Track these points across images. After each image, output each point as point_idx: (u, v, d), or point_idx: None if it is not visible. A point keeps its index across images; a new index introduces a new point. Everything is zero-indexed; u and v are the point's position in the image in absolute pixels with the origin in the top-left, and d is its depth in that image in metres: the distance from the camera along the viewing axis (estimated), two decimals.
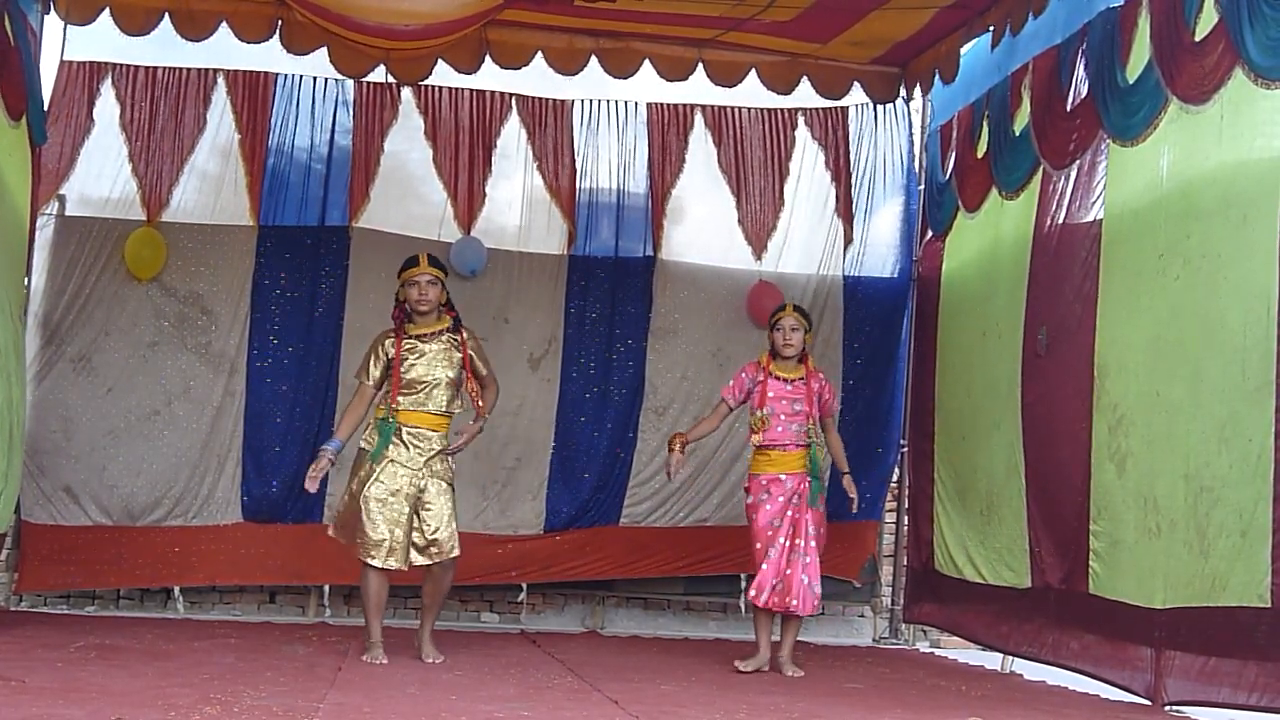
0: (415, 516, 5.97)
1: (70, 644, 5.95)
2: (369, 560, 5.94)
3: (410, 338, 6.06)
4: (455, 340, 6.12)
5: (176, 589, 7.82)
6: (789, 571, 6.25)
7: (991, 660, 7.24)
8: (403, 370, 6.01)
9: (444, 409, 6.07)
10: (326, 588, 8.02)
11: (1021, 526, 6.78)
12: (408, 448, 5.98)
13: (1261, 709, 4.85)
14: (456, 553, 6.05)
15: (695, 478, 8.31)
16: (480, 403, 6.19)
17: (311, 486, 6.00)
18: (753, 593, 6.33)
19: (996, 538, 7.12)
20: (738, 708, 5.07)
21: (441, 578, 6.09)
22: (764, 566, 6.27)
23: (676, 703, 5.20)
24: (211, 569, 7.83)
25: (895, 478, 8.53)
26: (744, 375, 6.52)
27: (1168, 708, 5.42)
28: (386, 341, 6.08)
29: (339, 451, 6.06)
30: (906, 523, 8.35)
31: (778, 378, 6.43)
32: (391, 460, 5.96)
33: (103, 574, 7.71)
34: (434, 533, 5.97)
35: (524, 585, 8.18)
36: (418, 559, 6.00)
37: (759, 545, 6.32)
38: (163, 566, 7.75)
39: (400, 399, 6.00)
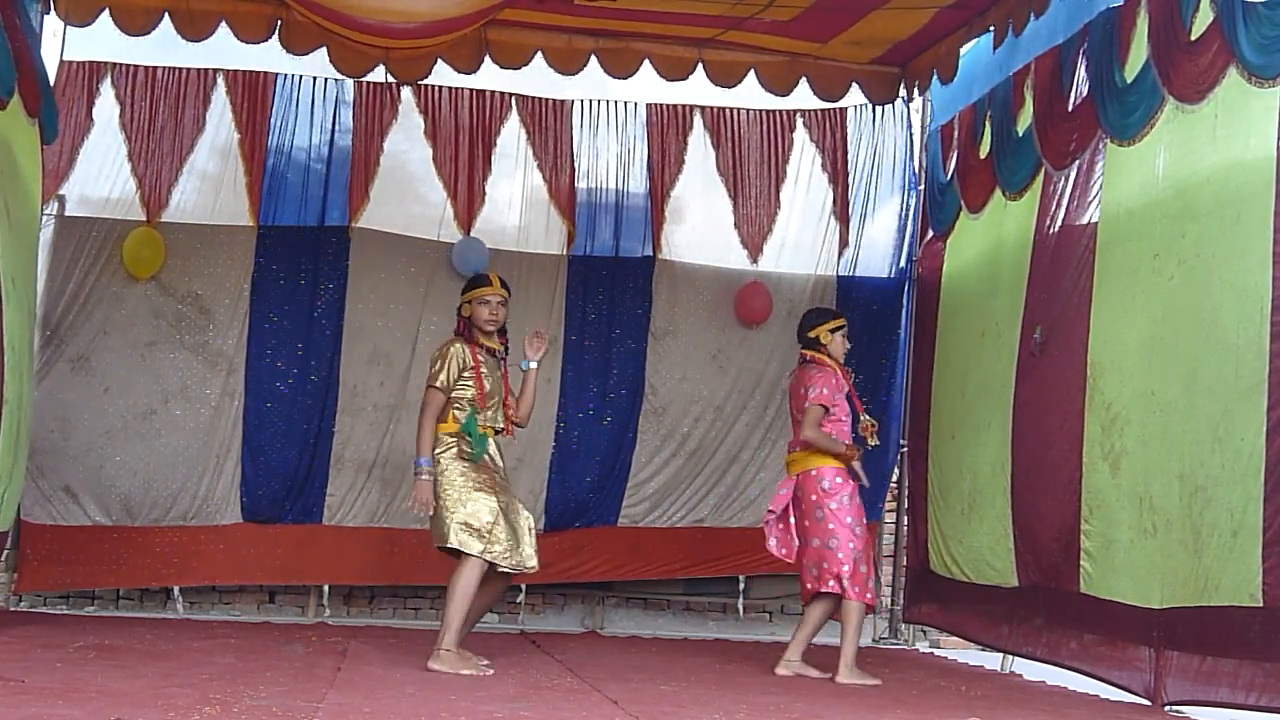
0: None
1: (70, 644, 5.94)
2: (508, 567, 5.92)
3: (482, 349, 6.03)
4: (504, 360, 6.17)
5: (176, 589, 7.82)
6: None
7: (991, 660, 7.23)
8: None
9: (501, 425, 6.07)
10: (326, 588, 8.03)
11: (1006, 525, 6.78)
12: (492, 460, 5.99)
13: (1260, 709, 4.85)
14: None
15: (693, 479, 8.31)
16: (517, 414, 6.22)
17: (428, 510, 5.84)
18: (869, 596, 6.13)
19: (976, 536, 7.13)
20: (737, 708, 5.07)
21: (503, 586, 6.22)
22: (863, 567, 6.15)
23: (676, 703, 5.20)
24: (211, 569, 7.83)
25: (895, 478, 8.52)
26: (832, 382, 6.24)
27: (1167, 708, 5.42)
28: (459, 346, 5.97)
29: (433, 467, 5.87)
30: (906, 523, 8.35)
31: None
32: (489, 471, 5.94)
33: (102, 574, 7.71)
34: (530, 543, 6.02)
35: (523, 585, 8.18)
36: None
37: (860, 545, 6.16)
38: (162, 566, 7.75)
39: (484, 411, 5.93)
